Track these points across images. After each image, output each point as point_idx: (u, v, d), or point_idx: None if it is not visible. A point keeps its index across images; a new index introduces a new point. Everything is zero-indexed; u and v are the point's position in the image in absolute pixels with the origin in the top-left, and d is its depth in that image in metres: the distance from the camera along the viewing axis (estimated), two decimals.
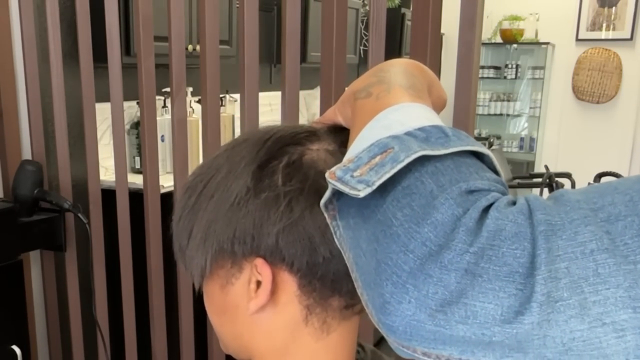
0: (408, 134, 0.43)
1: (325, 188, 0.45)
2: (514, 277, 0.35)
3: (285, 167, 0.53)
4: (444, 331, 0.37)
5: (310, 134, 0.56)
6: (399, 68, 0.53)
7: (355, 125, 0.49)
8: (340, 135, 0.57)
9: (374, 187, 0.40)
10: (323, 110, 1.46)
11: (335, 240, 0.45)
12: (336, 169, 0.43)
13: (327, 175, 0.43)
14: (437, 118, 0.47)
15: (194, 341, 1.73)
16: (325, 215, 0.45)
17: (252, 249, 0.53)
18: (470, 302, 0.35)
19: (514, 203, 0.38)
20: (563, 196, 0.38)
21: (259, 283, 0.54)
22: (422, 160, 0.41)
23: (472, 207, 0.37)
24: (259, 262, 0.53)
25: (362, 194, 0.40)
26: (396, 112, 0.46)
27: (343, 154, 0.54)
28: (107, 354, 1.83)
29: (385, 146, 0.42)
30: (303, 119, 3.45)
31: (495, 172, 0.43)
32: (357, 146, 0.45)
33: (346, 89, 0.56)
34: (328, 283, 0.54)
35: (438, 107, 0.56)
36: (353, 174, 0.42)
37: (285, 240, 0.52)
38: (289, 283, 0.54)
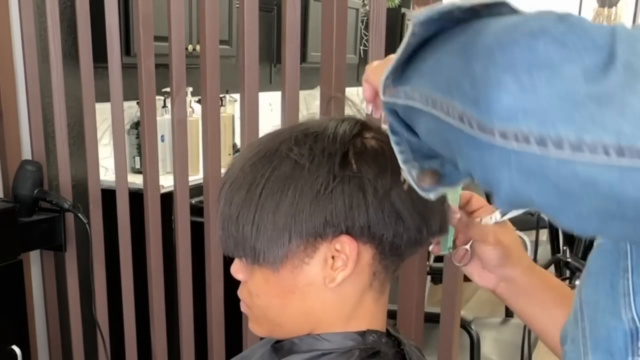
0: None
1: (396, 164, 0.49)
2: (597, 47, 0.34)
3: (359, 157, 0.60)
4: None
5: (357, 123, 0.64)
6: None
7: None
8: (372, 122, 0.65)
9: None
10: (323, 110, 1.46)
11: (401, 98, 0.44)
12: None
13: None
14: None
15: (194, 341, 1.73)
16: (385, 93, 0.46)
17: (341, 230, 0.60)
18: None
19: None
20: None
21: (333, 257, 0.61)
22: None
23: None
24: (346, 239, 0.60)
25: None
26: None
27: (386, 136, 0.56)
28: (107, 354, 1.83)
29: None
30: (303, 120, 3.45)
31: None
32: None
33: None
34: (399, 250, 0.63)
35: None
36: None
37: (376, 219, 0.60)
38: (365, 253, 0.62)
